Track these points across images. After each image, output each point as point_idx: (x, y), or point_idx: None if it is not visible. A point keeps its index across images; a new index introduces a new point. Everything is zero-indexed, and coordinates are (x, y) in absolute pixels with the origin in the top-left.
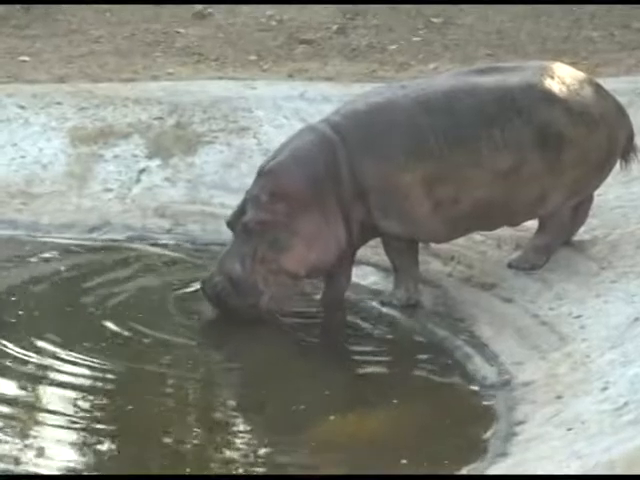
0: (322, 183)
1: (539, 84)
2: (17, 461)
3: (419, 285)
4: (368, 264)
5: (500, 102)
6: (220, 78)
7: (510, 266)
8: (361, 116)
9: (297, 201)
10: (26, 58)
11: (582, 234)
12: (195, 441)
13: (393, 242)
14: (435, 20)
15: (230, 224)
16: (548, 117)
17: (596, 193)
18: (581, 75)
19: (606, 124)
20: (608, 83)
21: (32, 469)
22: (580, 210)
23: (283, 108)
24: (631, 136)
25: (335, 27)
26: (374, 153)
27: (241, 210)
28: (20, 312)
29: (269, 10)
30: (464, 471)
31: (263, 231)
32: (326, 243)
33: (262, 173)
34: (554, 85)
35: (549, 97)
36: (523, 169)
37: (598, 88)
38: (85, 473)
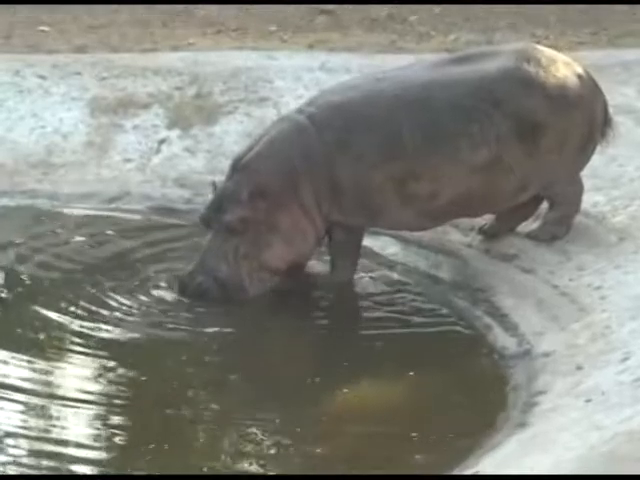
0: (299, 176)
1: (516, 72)
2: None
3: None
4: (388, 235)
5: (477, 94)
6: (240, 49)
7: (530, 237)
8: (336, 110)
9: (276, 197)
10: (46, 28)
11: (602, 205)
12: (207, 412)
13: (346, 235)
14: None
15: (205, 219)
16: (527, 105)
17: (616, 164)
18: (556, 55)
19: (584, 104)
20: (628, 54)
21: None
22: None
23: (303, 79)
24: (605, 109)
25: None
26: (348, 151)
27: (216, 205)
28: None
29: None
30: (483, 442)
31: (245, 229)
32: (305, 236)
33: (238, 167)
34: (531, 71)
35: (527, 84)
36: (503, 159)
37: (573, 67)
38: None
